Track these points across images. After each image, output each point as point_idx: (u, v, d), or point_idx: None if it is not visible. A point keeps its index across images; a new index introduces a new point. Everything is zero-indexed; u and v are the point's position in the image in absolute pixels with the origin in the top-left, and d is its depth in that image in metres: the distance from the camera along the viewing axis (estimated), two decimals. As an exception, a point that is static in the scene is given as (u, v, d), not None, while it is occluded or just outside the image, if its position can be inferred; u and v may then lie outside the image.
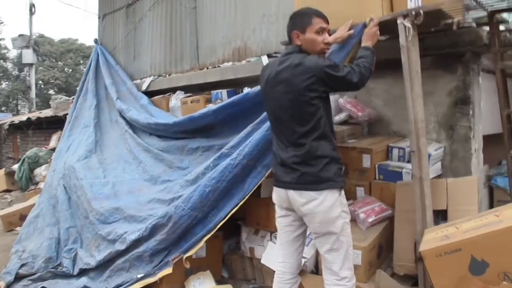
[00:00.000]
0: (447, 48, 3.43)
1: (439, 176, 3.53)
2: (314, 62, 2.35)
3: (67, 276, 4.37)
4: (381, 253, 3.28)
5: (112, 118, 6.04)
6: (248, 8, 5.01)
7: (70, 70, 34.12)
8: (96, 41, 7.42)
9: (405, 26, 2.78)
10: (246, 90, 4.59)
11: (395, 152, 3.71)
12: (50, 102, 10.47)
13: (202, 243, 3.41)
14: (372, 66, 2.57)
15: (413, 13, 2.77)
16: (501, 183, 4.11)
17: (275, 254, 2.65)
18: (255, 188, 3.33)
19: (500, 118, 4.02)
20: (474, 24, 3.27)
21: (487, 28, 3.32)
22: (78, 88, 6.91)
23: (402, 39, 2.81)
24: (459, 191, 2.98)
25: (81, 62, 32.86)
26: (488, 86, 3.81)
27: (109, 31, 7.42)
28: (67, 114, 8.64)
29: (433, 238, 2.49)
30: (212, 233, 3.40)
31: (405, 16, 2.79)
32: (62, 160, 5.64)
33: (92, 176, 4.91)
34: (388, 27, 2.93)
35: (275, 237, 3.57)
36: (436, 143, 3.67)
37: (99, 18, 7.66)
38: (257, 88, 3.55)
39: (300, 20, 2.52)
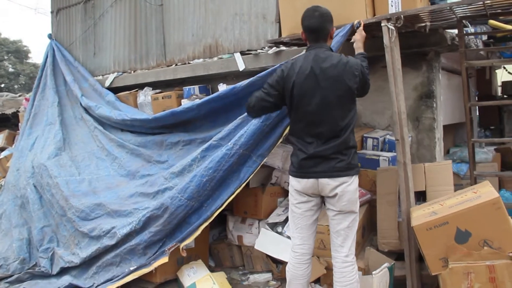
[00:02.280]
0: (415, 47, 3.83)
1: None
2: (358, 63, 2.70)
3: (46, 276, 4.34)
4: (365, 233, 3.63)
5: (76, 116, 5.93)
6: (219, 7, 5.14)
7: (-8, 65, 31.98)
8: (50, 36, 7.19)
9: (388, 28, 3.11)
10: (221, 85, 4.79)
11: (370, 142, 4.07)
12: (-6, 100, 9.94)
13: (198, 232, 3.55)
14: None
15: (395, 17, 3.11)
16: (454, 169, 4.57)
17: (293, 236, 2.86)
18: (251, 176, 3.51)
19: (450, 112, 4.54)
20: (441, 28, 3.68)
21: (449, 30, 3.75)
22: (34, 85, 6.68)
23: (386, 40, 3.14)
24: (437, 174, 3.38)
25: (5, 57, 30.91)
26: (442, 82, 4.25)
27: (64, 27, 7.22)
28: (16, 111, 8.35)
29: (422, 214, 2.85)
30: (209, 221, 3.55)
31: (388, 20, 3.13)
32: (27, 158, 5.49)
33: (66, 174, 4.85)
34: (368, 28, 3.28)
35: (266, 224, 3.83)
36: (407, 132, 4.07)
37: (52, 12, 7.42)
38: (244, 82, 3.69)
39: (331, 19, 2.79)
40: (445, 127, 4.36)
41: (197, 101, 4.21)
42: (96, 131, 5.43)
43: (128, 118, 4.88)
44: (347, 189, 2.66)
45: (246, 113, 3.62)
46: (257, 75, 3.54)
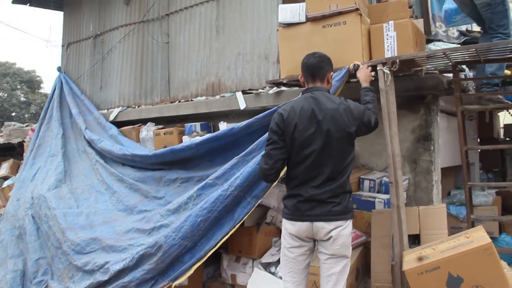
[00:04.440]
0: (412, 91, 3.88)
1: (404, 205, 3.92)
2: (358, 107, 2.75)
3: (38, 309, 4.30)
4: (358, 275, 3.58)
5: (79, 148, 6.03)
6: (223, 47, 5.28)
7: (6, 95, 32.60)
8: (59, 69, 7.40)
9: (384, 72, 3.17)
10: (222, 124, 4.85)
11: (366, 183, 4.07)
12: (1, 129, 10.12)
13: (191, 271, 3.52)
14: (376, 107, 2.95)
15: (391, 61, 3.18)
16: (454, 211, 4.55)
17: (285, 280, 2.82)
18: (245, 217, 3.51)
19: (449, 154, 4.54)
20: (437, 72, 3.74)
21: (446, 74, 3.81)
22: (41, 116, 6.83)
23: (381, 84, 3.19)
24: (431, 217, 3.36)
25: (18, 87, 31.53)
26: (441, 125, 4.28)
27: (73, 60, 7.44)
28: (22, 141, 8.46)
29: (414, 258, 2.82)
30: (202, 261, 3.52)
31: (384, 64, 3.19)
32: (28, 189, 5.55)
33: (64, 206, 4.88)
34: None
35: (260, 264, 3.79)
36: (402, 175, 4.07)
37: (62, 46, 7.66)
38: (242, 124, 3.78)
39: (330, 63, 2.87)
40: (445, 169, 4.36)
41: (196, 140, 4.28)
42: (97, 165, 5.50)
43: (129, 153, 4.95)
44: (341, 232, 2.64)
45: (243, 153, 3.69)
46: (255, 117, 3.62)
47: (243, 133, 3.82)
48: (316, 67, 2.79)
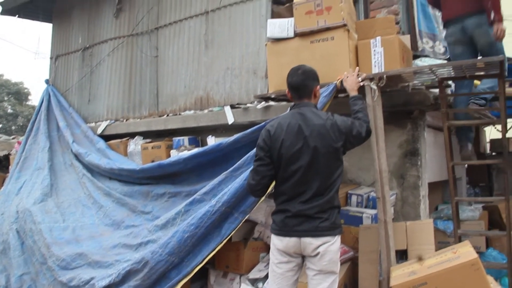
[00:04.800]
0: (399, 106, 3.91)
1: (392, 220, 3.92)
2: (345, 122, 2.75)
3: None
4: (347, 292, 3.55)
5: (66, 161, 5.98)
6: (212, 61, 5.29)
7: (-7, 106, 32.30)
8: (47, 81, 7.37)
9: (371, 88, 3.19)
10: (210, 138, 4.85)
11: (354, 198, 4.07)
12: (-13, 141, 9.98)
13: (178, 287, 3.48)
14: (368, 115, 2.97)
15: (378, 77, 3.20)
16: (441, 226, 4.57)
17: None
18: (233, 232, 3.48)
19: (437, 169, 4.57)
20: (423, 87, 3.78)
21: (433, 90, 3.85)
22: (27, 129, 6.78)
23: (368, 99, 3.21)
24: (418, 232, 3.37)
25: (6, 99, 31.27)
26: (428, 140, 4.31)
27: (62, 73, 7.41)
28: (8, 154, 8.36)
29: (401, 274, 2.83)
30: (189, 277, 3.48)
31: (371, 79, 3.22)
32: (13, 203, 5.47)
33: (50, 220, 4.82)
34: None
35: (247, 280, 3.76)
36: (389, 190, 4.08)
37: (51, 58, 7.62)
38: (230, 139, 3.79)
39: (316, 77, 2.87)
40: (433, 183, 4.38)
41: (184, 155, 4.26)
42: (84, 178, 5.44)
43: (116, 167, 4.92)
44: (329, 248, 2.63)
45: (231, 169, 3.68)
46: (243, 133, 3.63)
47: (230, 148, 3.83)
48: (301, 85, 2.81)
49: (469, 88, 4.19)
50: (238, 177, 3.48)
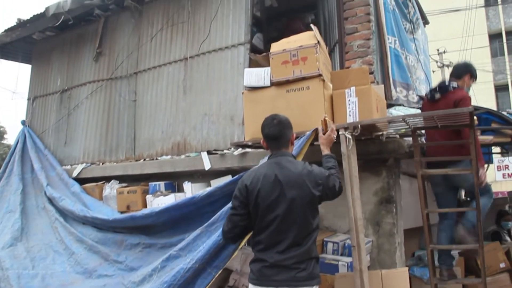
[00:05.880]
0: (374, 154, 3.97)
1: (367, 268, 3.90)
2: (322, 173, 2.76)
3: None
4: None
5: (39, 205, 5.85)
6: (190, 107, 5.33)
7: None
8: (23, 122, 7.28)
9: (346, 137, 3.24)
10: (186, 184, 4.82)
11: (330, 246, 4.05)
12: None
13: None
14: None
15: (352, 126, 3.27)
16: (418, 273, 4.55)
17: None
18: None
19: (413, 215, 4.60)
20: (397, 136, 3.86)
21: (407, 138, 3.93)
22: (0, 170, 6.61)
23: (343, 148, 3.26)
24: (394, 281, 3.36)
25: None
26: (404, 186, 4.36)
27: (39, 114, 7.34)
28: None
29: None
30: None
31: (345, 128, 3.28)
32: (-19, 247, 5.27)
33: (19, 266, 4.67)
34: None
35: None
36: (365, 237, 4.08)
37: (28, 99, 7.57)
38: (203, 192, 3.78)
39: (291, 125, 2.89)
40: (409, 230, 4.40)
41: (157, 208, 4.24)
42: (56, 223, 5.33)
43: (90, 215, 4.86)
44: None
45: (206, 224, 3.65)
46: (216, 186, 3.65)
47: (204, 202, 3.80)
48: (277, 135, 2.82)
49: (450, 231, 4.27)
50: (213, 233, 3.44)
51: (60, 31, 7.08)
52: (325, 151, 3.15)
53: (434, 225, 5.28)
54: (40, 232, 5.40)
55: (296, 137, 3.27)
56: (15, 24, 7.19)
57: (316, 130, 3.37)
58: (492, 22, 25.08)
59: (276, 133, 2.82)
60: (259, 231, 2.71)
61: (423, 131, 4.13)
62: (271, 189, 2.66)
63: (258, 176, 2.73)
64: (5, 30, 7.23)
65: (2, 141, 29.82)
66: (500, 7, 24.71)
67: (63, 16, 6.18)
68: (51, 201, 5.66)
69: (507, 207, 7.37)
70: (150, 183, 5.17)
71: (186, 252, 3.59)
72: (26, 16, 8.94)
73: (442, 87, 4.11)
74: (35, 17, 6.75)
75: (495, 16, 25.09)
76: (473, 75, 4.29)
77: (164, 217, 4.08)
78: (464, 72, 4.27)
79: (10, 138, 29.50)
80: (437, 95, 4.12)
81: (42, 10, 6.52)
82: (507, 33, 24.67)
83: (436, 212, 4.37)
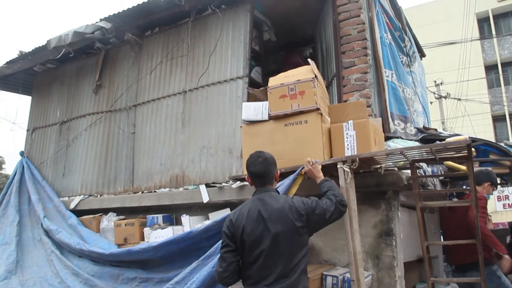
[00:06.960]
0: (373, 187, 3.96)
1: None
2: (306, 203, 2.80)
3: None
4: None
5: (35, 237, 5.80)
6: (188, 139, 5.35)
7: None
8: (22, 153, 7.27)
9: (344, 170, 3.25)
10: (184, 217, 4.80)
11: (329, 280, 3.97)
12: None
13: None
14: (338, 188, 3.03)
15: (351, 159, 3.28)
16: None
17: None
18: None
19: (413, 247, 4.57)
20: (396, 168, 3.86)
21: (405, 171, 3.94)
22: (-2, 200, 6.59)
23: (341, 181, 3.26)
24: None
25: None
26: (403, 219, 4.33)
27: (37, 145, 7.33)
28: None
29: None
30: None
31: (344, 162, 3.28)
32: (-25, 282, 5.19)
33: (12, 302, 4.57)
34: (325, 169, 3.42)
35: None
36: (364, 271, 4.03)
37: (27, 130, 7.59)
38: (201, 227, 3.82)
39: (275, 162, 2.96)
40: (410, 263, 4.34)
41: (154, 243, 4.25)
42: (52, 255, 5.27)
43: (86, 249, 4.84)
44: None
45: (202, 257, 3.66)
46: (213, 221, 3.70)
47: (201, 237, 3.85)
48: (263, 173, 2.90)
49: None
50: (209, 266, 3.45)
51: (60, 63, 7.17)
52: (318, 180, 3.23)
53: (434, 258, 5.25)
54: (36, 264, 5.34)
55: (290, 173, 3.32)
56: (16, 56, 7.30)
57: (301, 170, 3.43)
58: (487, 54, 25.49)
59: (261, 171, 2.90)
60: (248, 266, 2.77)
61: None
62: (255, 225, 2.74)
63: (243, 213, 2.80)
64: (7, 62, 7.32)
65: (0, 171, 29.78)
66: (495, 39, 25.15)
67: (64, 49, 6.25)
68: (47, 233, 5.61)
69: (508, 239, 7.30)
70: (148, 216, 5.14)
71: (182, 286, 3.59)
72: (27, 48, 9.06)
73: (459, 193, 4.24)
74: (37, 49, 6.83)
75: (490, 48, 25.51)
76: (493, 183, 4.45)
77: (161, 251, 4.09)
78: (485, 180, 4.53)
79: (9, 168, 29.45)
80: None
81: (43, 42, 6.62)
82: (502, 64, 25.03)
83: (436, 244, 4.34)
